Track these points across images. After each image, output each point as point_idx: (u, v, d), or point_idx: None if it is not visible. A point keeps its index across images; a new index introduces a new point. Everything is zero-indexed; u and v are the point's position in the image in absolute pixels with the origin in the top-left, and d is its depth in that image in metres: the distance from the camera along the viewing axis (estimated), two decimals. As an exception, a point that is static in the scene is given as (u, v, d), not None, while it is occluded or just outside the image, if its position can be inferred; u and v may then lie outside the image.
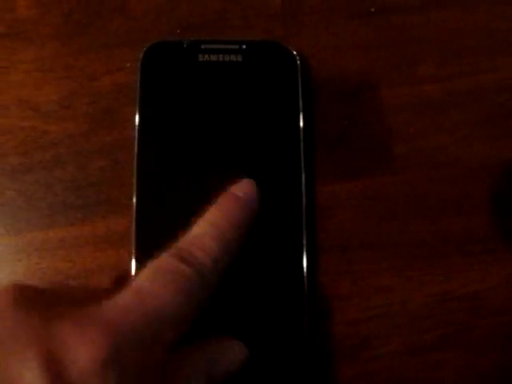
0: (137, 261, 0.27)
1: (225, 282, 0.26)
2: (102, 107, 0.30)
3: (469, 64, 0.32)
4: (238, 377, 0.25)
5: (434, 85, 0.31)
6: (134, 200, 0.28)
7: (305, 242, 0.28)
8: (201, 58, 0.29)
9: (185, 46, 0.29)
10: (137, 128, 0.28)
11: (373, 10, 0.32)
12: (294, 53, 0.29)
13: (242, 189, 0.25)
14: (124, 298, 0.20)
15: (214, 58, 0.29)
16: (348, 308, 0.29)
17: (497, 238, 0.30)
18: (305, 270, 0.28)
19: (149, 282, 0.21)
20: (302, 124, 0.29)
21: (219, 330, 0.27)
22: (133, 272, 0.27)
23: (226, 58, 0.29)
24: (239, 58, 0.29)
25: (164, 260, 0.22)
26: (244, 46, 0.29)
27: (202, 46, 0.29)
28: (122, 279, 0.26)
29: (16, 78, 0.30)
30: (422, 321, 0.29)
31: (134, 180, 0.28)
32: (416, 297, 0.29)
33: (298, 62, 0.29)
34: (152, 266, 0.22)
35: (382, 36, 0.31)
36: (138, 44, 0.30)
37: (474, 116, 0.31)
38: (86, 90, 0.30)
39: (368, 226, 0.29)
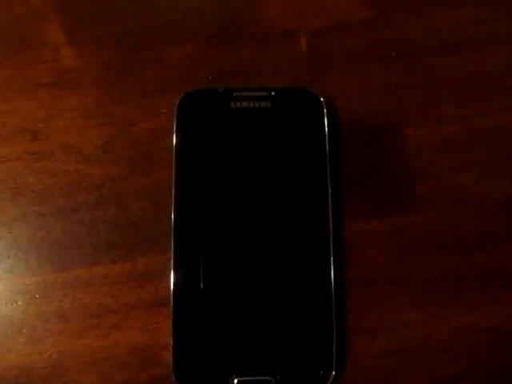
0: (174, 296, 0.29)
1: (258, 317, 0.28)
2: (141, 151, 0.32)
3: (488, 103, 0.33)
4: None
5: (455, 124, 0.32)
6: (172, 238, 0.29)
7: (333, 277, 0.29)
8: (233, 104, 0.31)
9: (218, 93, 0.31)
10: (174, 171, 0.30)
11: (394, 54, 0.33)
12: (321, 99, 0.31)
13: None
14: None
15: (245, 104, 0.31)
16: (374, 341, 0.30)
17: (518, 273, 0.31)
18: (333, 304, 0.29)
19: None
20: (328, 165, 0.30)
21: (251, 364, 0.28)
22: (171, 307, 0.29)
23: (257, 105, 0.31)
24: (269, 104, 0.31)
25: None
26: (273, 93, 0.31)
27: (234, 94, 0.31)
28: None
29: (61, 125, 0.32)
30: (446, 353, 0.30)
31: (172, 219, 0.30)
32: (440, 330, 0.30)
33: (324, 106, 0.31)
34: None
35: (404, 79, 0.33)
36: (173, 91, 0.32)
37: (494, 154, 0.32)
38: (126, 135, 0.32)
39: (393, 261, 0.31)
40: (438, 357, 0.30)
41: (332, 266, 0.30)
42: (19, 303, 0.30)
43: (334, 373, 0.29)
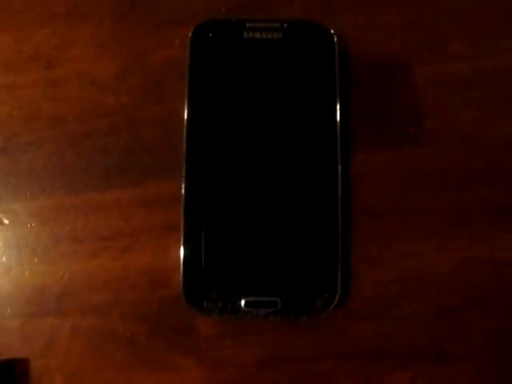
0: (185, 221, 0.30)
1: (267, 241, 0.29)
2: (153, 80, 0.32)
3: (497, 44, 0.33)
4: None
5: (464, 63, 0.33)
6: (184, 165, 0.30)
7: (340, 207, 0.30)
8: (245, 35, 0.31)
9: (231, 23, 0.31)
10: (186, 100, 0.31)
11: (406, -9, 0.33)
12: (332, 31, 0.31)
13: None
14: None
15: (257, 35, 0.31)
16: (378, 270, 0.31)
17: (521, 208, 0.31)
18: (339, 231, 0.30)
19: None
20: (338, 97, 0.31)
21: (258, 286, 0.29)
22: (181, 230, 0.30)
23: (269, 36, 0.31)
24: (280, 36, 0.31)
25: None
26: (285, 25, 0.31)
27: (247, 25, 0.31)
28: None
29: (75, 53, 0.32)
30: (448, 284, 0.31)
31: (184, 147, 0.30)
32: (442, 261, 0.31)
33: (335, 40, 0.31)
34: None
35: (415, 17, 0.33)
36: (186, 22, 0.32)
37: (499, 93, 0.33)
38: (139, 64, 0.32)
39: (399, 194, 0.31)
40: (439, 287, 0.31)
41: (339, 196, 0.30)
42: (33, 225, 0.31)
43: (337, 297, 0.29)
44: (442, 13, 0.33)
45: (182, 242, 0.30)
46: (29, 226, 0.31)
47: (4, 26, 0.33)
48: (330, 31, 0.32)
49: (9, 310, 0.31)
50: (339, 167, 0.30)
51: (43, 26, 0.33)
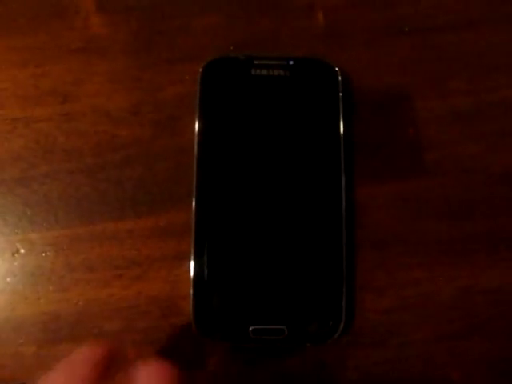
0: (195, 250, 0.31)
1: (274, 272, 0.30)
2: (166, 115, 0.33)
3: (496, 79, 0.34)
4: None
5: (464, 98, 0.34)
6: (194, 197, 0.31)
7: (344, 237, 0.31)
8: (253, 72, 0.33)
9: (240, 61, 0.33)
10: (196, 134, 0.32)
11: (407, 29, 0.35)
12: (336, 68, 0.33)
13: None
14: None
15: (264, 72, 0.33)
16: (382, 297, 0.32)
17: (520, 238, 0.32)
18: (344, 261, 0.31)
19: None
20: (342, 132, 0.32)
21: (266, 315, 0.30)
22: (192, 260, 0.31)
23: (276, 73, 0.33)
24: (287, 73, 0.33)
25: None
26: (291, 62, 0.33)
27: (255, 62, 0.33)
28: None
29: (90, 88, 0.34)
30: (450, 311, 0.32)
31: (194, 179, 0.31)
32: (444, 289, 0.32)
33: (340, 78, 0.33)
34: None
35: (416, 53, 0.35)
36: (197, 59, 0.33)
37: (500, 127, 0.34)
38: (152, 99, 0.34)
39: (402, 224, 0.33)
40: (442, 314, 0.32)
41: (344, 227, 0.31)
42: (49, 254, 0.32)
43: (342, 325, 0.30)
44: (442, 50, 0.35)
45: (192, 272, 0.31)
46: (44, 255, 0.32)
47: (22, 61, 0.34)
48: (334, 68, 0.33)
49: (24, 336, 0.32)
50: (344, 198, 0.32)
51: (59, 62, 0.34)
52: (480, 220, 0.33)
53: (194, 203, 0.31)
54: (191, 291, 0.31)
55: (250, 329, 0.30)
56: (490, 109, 0.34)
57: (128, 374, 0.23)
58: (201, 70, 0.33)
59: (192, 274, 0.31)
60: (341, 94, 0.33)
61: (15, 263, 0.32)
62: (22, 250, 0.32)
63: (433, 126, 0.34)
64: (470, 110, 0.34)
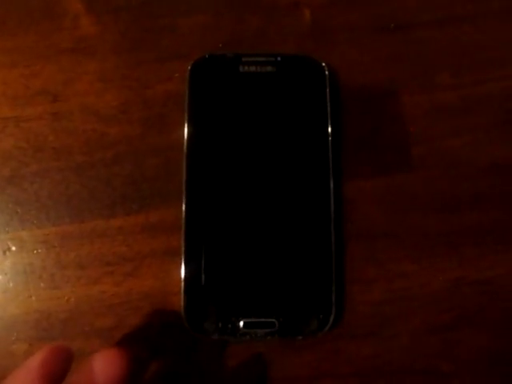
0: (185, 246, 0.31)
1: (264, 265, 0.30)
2: (155, 112, 0.34)
3: (481, 74, 0.35)
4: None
5: (450, 92, 0.35)
6: (184, 193, 0.31)
7: (333, 231, 0.31)
8: (241, 69, 0.33)
9: (228, 58, 0.33)
10: (186, 131, 0.32)
11: (392, 26, 0.35)
12: (323, 64, 0.33)
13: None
14: None
15: (252, 69, 0.33)
16: (372, 291, 0.32)
17: (506, 230, 0.33)
18: (333, 254, 0.31)
19: None
20: (330, 127, 0.33)
21: (256, 308, 0.30)
22: (182, 256, 0.31)
23: (263, 70, 0.33)
24: (274, 69, 0.33)
25: None
26: (279, 59, 0.33)
27: (243, 59, 0.33)
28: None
29: (80, 87, 0.34)
30: (439, 303, 0.32)
31: (184, 176, 0.32)
32: (433, 282, 0.32)
33: (327, 73, 0.33)
34: None
35: (402, 49, 0.35)
36: (185, 57, 0.34)
37: (485, 121, 0.34)
38: (141, 97, 0.34)
39: (390, 217, 0.33)
40: (431, 306, 0.32)
41: (332, 221, 0.32)
42: (40, 251, 0.32)
43: (332, 317, 0.31)
44: (428, 45, 0.35)
45: (182, 267, 0.31)
46: (35, 252, 0.32)
47: (12, 62, 0.34)
48: (321, 64, 0.33)
49: (15, 334, 0.32)
50: (332, 192, 0.32)
51: (49, 62, 0.34)
52: (467, 213, 0.33)
53: (184, 199, 0.32)
54: (182, 287, 0.31)
55: (241, 322, 0.30)
56: (475, 103, 0.34)
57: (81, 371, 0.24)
58: (189, 67, 0.33)
59: (183, 269, 0.31)
60: (328, 90, 0.33)
61: (6, 261, 0.32)
62: (13, 248, 0.32)
63: (419, 120, 0.34)
64: (456, 104, 0.34)
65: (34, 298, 0.32)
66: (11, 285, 0.32)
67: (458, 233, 0.33)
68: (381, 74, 0.35)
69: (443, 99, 0.34)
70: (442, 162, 0.34)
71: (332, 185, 0.32)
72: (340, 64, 0.35)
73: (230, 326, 0.30)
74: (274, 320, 0.30)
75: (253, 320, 0.30)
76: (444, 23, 0.35)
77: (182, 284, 0.31)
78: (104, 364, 0.24)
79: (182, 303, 0.31)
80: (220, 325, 0.30)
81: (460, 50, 0.35)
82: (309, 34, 0.35)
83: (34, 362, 0.23)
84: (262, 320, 0.30)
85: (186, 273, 0.31)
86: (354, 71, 0.35)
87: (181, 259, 0.31)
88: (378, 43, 0.35)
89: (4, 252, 0.32)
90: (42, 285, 0.32)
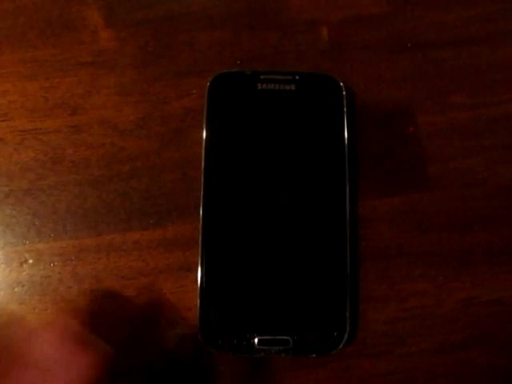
0: (202, 262, 0.31)
1: (280, 283, 0.31)
2: (172, 127, 0.34)
3: (495, 94, 0.35)
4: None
5: (465, 113, 0.35)
6: (201, 208, 0.32)
7: (348, 249, 0.32)
8: (259, 86, 0.33)
9: (246, 75, 0.33)
10: (204, 146, 0.32)
11: (409, 45, 0.36)
12: (341, 84, 0.33)
13: None
14: None
15: (270, 86, 0.33)
16: (385, 309, 0.32)
17: (520, 251, 0.33)
18: (348, 273, 0.31)
19: None
20: (346, 145, 0.33)
21: (271, 325, 0.31)
22: (199, 271, 0.31)
23: (281, 87, 0.33)
24: (292, 87, 0.33)
25: None
26: (297, 77, 0.33)
27: (261, 77, 0.33)
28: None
29: (98, 101, 0.34)
30: (451, 323, 0.32)
31: (202, 191, 0.32)
32: (446, 301, 0.33)
33: (344, 93, 0.33)
34: None
35: (418, 69, 0.35)
36: (204, 73, 0.34)
37: (500, 141, 0.35)
38: (159, 112, 0.34)
39: (404, 236, 0.33)
40: (443, 325, 0.32)
41: (348, 239, 0.32)
42: (56, 264, 0.33)
43: (346, 335, 0.31)
44: (443, 65, 0.35)
45: (198, 283, 0.31)
46: (52, 265, 0.33)
47: (32, 74, 0.35)
48: (338, 83, 0.34)
49: (31, 346, 0.32)
50: (348, 211, 0.32)
51: (69, 75, 0.35)
52: (481, 232, 0.33)
53: (201, 214, 0.32)
54: (198, 302, 0.31)
55: (256, 339, 0.30)
56: (490, 123, 0.35)
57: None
58: (208, 83, 0.33)
59: (199, 284, 0.31)
60: (345, 109, 0.33)
61: (23, 273, 0.32)
62: (30, 260, 0.33)
63: (434, 139, 0.34)
64: (471, 124, 0.35)
65: (49, 310, 0.32)
66: (27, 297, 0.32)
67: (471, 252, 0.33)
68: (397, 92, 0.35)
69: (458, 119, 0.35)
70: (456, 181, 0.34)
71: (348, 203, 0.32)
72: (356, 82, 0.35)
73: (244, 342, 0.31)
74: (288, 338, 0.31)
75: (267, 337, 0.30)
76: (460, 44, 0.36)
77: (198, 300, 0.31)
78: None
79: (198, 318, 0.31)
80: (235, 341, 0.31)
81: (475, 70, 0.35)
82: (326, 51, 0.35)
83: None
84: (277, 337, 0.31)
85: (201, 288, 0.31)
86: (370, 90, 0.35)
87: (197, 275, 0.31)
88: (395, 62, 0.35)
89: (21, 264, 0.32)
90: (58, 298, 0.32)
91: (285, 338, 0.31)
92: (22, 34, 0.35)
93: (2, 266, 0.33)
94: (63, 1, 0.36)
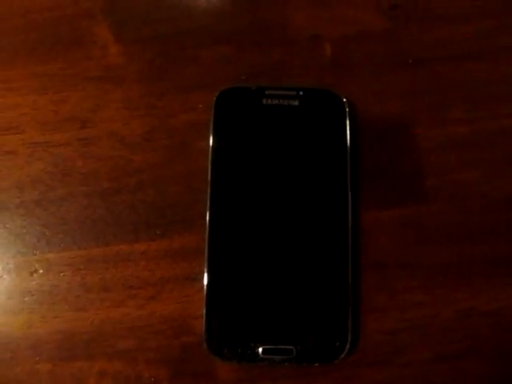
0: (207, 272, 0.32)
1: (283, 293, 0.32)
2: (178, 141, 0.35)
3: (494, 109, 0.36)
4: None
5: (463, 127, 0.36)
6: (207, 219, 0.33)
7: (350, 260, 0.33)
8: (264, 101, 0.34)
9: (251, 91, 0.34)
10: (210, 160, 0.33)
11: (410, 61, 0.36)
12: (344, 99, 0.34)
13: None
14: None
15: (275, 101, 0.34)
16: (385, 319, 0.33)
17: (517, 262, 0.34)
18: (349, 284, 0.32)
19: None
20: (348, 158, 0.34)
21: (275, 334, 0.31)
22: (205, 281, 0.32)
23: (286, 102, 0.34)
24: (297, 103, 0.34)
25: None
26: (301, 93, 0.34)
27: (266, 92, 0.34)
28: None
29: (107, 115, 0.35)
30: (450, 333, 0.33)
31: (208, 203, 0.33)
32: (445, 311, 0.33)
33: (346, 107, 0.34)
34: None
35: (418, 84, 0.36)
36: (209, 88, 0.35)
37: (498, 155, 0.35)
38: (165, 126, 0.35)
39: (404, 248, 0.34)
40: (442, 336, 0.33)
41: (349, 250, 0.33)
42: (66, 274, 0.33)
43: (348, 345, 0.32)
44: (443, 80, 0.36)
45: (204, 292, 0.32)
46: (61, 274, 0.33)
47: (42, 88, 0.36)
48: (341, 98, 0.35)
49: (40, 354, 0.33)
50: (349, 223, 0.33)
51: (78, 89, 0.35)
52: (479, 244, 0.34)
53: (207, 225, 0.33)
54: (204, 311, 0.32)
55: (260, 348, 0.31)
56: (488, 137, 0.36)
57: None
58: (214, 98, 0.34)
59: (204, 295, 0.32)
60: (347, 123, 0.34)
61: (33, 283, 0.33)
62: (40, 270, 0.33)
63: (433, 153, 0.35)
64: (469, 138, 0.36)
65: (58, 319, 0.33)
66: (37, 306, 0.33)
67: (469, 264, 0.34)
68: (397, 107, 0.36)
69: (457, 133, 0.36)
70: (454, 194, 0.35)
71: (350, 214, 0.33)
72: (358, 97, 0.36)
73: (249, 351, 0.31)
74: (291, 347, 0.31)
75: (271, 347, 0.31)
76: (459, 59, 0.37)
77: (204, 309, 0.32)
78: None
79: (203, 328, 0.32)
80: (239, 350, 0.31)
81: (473, 85, 0.36)
82: (329, 67, 0.36)
83: None
84: (281, 347, 0.31)
85: (207, 298, 0.32)
86: (371, 104, 0.36)
87: (202, 284, 0.32)
88: (395, 77, 0.36)
89: (31, 274, 0.33)
90: (66, 307, 0.33)
91: (288, 347, 0.31)
92: (32, 49, 0.36)
93: (13, 275, 0.33)
94: (73, 17, 0.37)
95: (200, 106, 0.35)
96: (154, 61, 0.36)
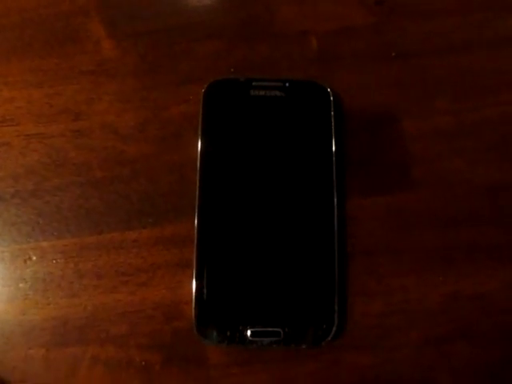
0: (197, 258, 0.33)
1: (271, 277, 0.32)
2: (170, 132, 0.36)
3: (477, 99, 0.37)
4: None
5: (448, 117, 0.37)
6: (197, 208, 0.33)
7: (336, 246, 0.33)
8: (252, 92, 0.35)
9: (239, 82, 0.35)
10: (199, 150, 0.34)
11: (394, 54, 0.37)
12: (328, 90, 0.35)
13: None
14: None
15: (262, 93, 0.35)
16: (373, 303, 0.34)
17: (501, 247, 0.35)
18: (336, 268, 0.33)
19: None
20: (334, 148, 0.35)
21: (263, 317, 0.32)
22: (194, 268, 0.33)
23: (273, 94, 0.35)
24: (283, 94, 0.35)
25: None
26: (287, 84, 0.35)
27: (254, 83, 0.35)
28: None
29: (100, 107, 0.36)
30: (437, 316, 0.34)
31: (197, 192, 0.34)
32: (431, 295, 0.34)
33: (331, 98, 0.35)
34: None
35: (402, 76, 0.37)
36: (200, 80, 0.36)
37: (482, 143, 0.36)
38: (158, 117, 0.36)
39: (390, 234, 0.35)
40: (429, 319, 0.34)
41: (336, 236, 0.33)
42: (59, 261, 0.34)
43: (335, 328, 0.32)
44: (427, 73, 0.37)
45: (194, 278, 0.33)
46: (55, 262, 0.34)
47: (37, 82, 0.37)
48: (326, 89, 0.36)
49: (34, 340, 0.33)
50: (336, 210, 0.34)
51: (72, 82, 0.37)
52: (464, 230, 0.35)
53: (196, 214, 0.33)
54: (193, 297, 0.33)
55: (249, 331, 0.32)
56: (471, 127, 0.37)
57: None
58: (203, 90, 0.35)
59: (194, 280, 0.33)
60: (333, 113, 0.35)
61: (27, 270, 0.34)
62: (34, 258, 0.34)
63: (418, 143, 0.36)
64: (454, 127, 0.37)
65: (52, 305, 0.34)
66: (31, 292, 0.34)
67: (455, 249, 0.35)
68: (383, 98, 0.37)
69: (442, 123, 0.37)
70: (440, 181, 0.36)
71: (336, 202, 0.34)
72: (344, 89, 0.37)
73: (238, 334, 0.32)
74: (279, 329, 0.32)
75: (260, 329, 0.32)
76: (443, 52, 0.38)
77: (194, 294, 0.33)
78: None
79: (193, 312, 0.32)
80: (228, 333, 0.32)
81: (458, 77, 0.37)
82: (315, 60, 0.37)
83: None
84: (269, 329, 0.32)
85: (197, 284, 0.33)
86: (357, 96, 0.37)
87: (192, 271, 0.33)
88: (381, 70, 0.37)
89: (25, 261, 0.34)
90: (60, 293, 0.34)
91: (276, 329, 0.32)
92: (28, 45, 0.37)
93: (7, 263, 0.34)
94: (67, 13, 0.38)
95: (191, 97, 0.36)
96: (147, 55, 0.37)
